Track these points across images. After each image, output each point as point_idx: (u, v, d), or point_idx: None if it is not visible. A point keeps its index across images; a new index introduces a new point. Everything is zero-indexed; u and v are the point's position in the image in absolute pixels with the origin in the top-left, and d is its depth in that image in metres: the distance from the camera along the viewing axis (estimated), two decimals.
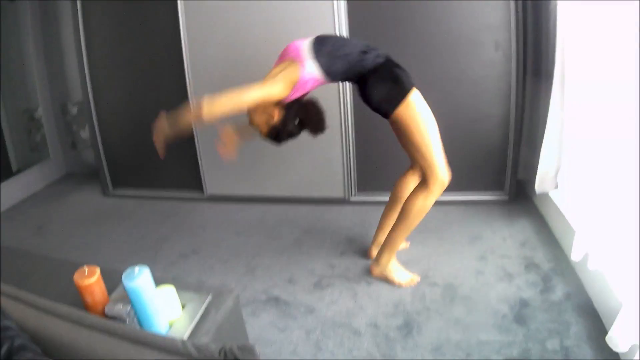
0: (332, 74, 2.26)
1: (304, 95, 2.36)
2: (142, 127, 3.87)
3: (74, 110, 4.74)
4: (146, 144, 3.91)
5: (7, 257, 2.18)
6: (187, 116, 2.14)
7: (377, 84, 2.27)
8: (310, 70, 2.22)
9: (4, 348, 1.08)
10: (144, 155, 3.97)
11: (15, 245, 3.18)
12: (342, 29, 3.18)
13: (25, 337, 1.15)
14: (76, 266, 1.63)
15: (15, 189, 4.34)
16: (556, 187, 2.83)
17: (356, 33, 3.20)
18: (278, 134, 2.35)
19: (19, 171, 4.50)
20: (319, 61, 2.22)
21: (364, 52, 2.26)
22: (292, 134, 2.38)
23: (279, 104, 2.27)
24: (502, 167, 3.26)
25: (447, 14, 3.08)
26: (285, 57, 2.31)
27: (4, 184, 4.17)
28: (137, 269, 1.46)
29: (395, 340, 2.12)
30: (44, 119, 4.71)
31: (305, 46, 2.27)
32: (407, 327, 2.19)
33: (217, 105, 2.10)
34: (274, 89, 2.17)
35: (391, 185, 3.39)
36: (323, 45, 2.26)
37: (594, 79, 2.28)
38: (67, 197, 4.28)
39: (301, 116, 2.34)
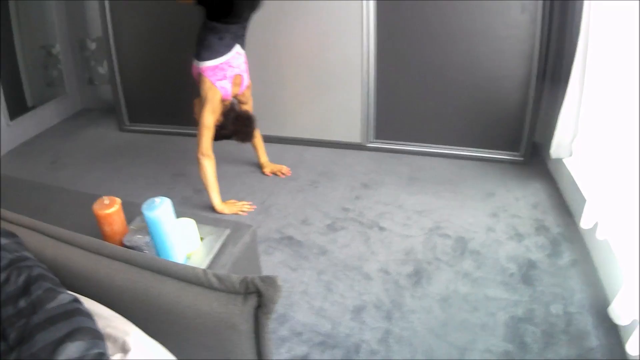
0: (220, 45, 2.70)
1: (238, 80, 2.85)
2: (161, 63, 3.88)
3: (92, 46, 4.70)
4: (164, 79, 3.94)
5: (24, 189, 2.20)
6: None
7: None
8: (211, 71, 2.71)
9: (22, 277, 1.08)
10: (161, 91, 3.99)
11: (31, 178, 3.20)
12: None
13: (43, 267, 1.16)
14: (93, 198, 1.66)
15: (31, 124, 4.34)
16: (571, 154, 2.85)
17: None
18: (216, 134, 2.81)
19: (34, 107, 4.47)
20: (206, 58, 2.70)
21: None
22: (226, 137, 2.88)
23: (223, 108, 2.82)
24: (520, 128, 3.26)
25: None
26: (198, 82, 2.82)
27: (19, 119, 4.17)
28: (157, 199, 1.47)
29: (405, 287, 2.20)
30: (61, 55, 4.66)
31: (195, 64, 2.78)
32: (417, 276, 2.27)
33: None
34: (209, 119, 2.74)
35: (410, 133, 3.44)
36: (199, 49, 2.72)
37: (619, 47, 2.26)
38: (82, 132, 4.29)
39: (233, 125, 2.84)
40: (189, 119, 3.97)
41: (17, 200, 2.02)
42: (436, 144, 3.47)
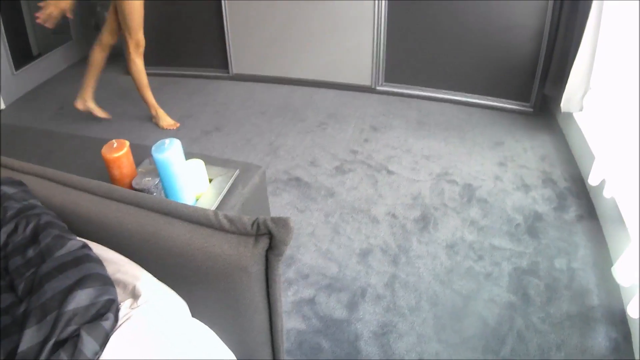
0: None
1: None
2: (166, 5, 3.77)
3: None
4: (170, 21, 3.86)
5: (30, 136, 2.16)
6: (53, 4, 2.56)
7: None
8: None
9: (30, 226, 1.07)
10: (167, 33, 3.92)
11: (36, 126, 3.22)
12: None
13: (51, 214, 1.14)
14: (101, 142, 1.64)
15: (36, 73, 4.27)
16: (581, 109, 2.83)
17: None
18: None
19: (39, 55, 4.38)
20: None
21: None
22: None
23: None
24: (531, 79, 3.23)
25: None
26: None
27: (25, 69, 4.10)
28: (167, 141, 1.46)
29: (412, 232, 2.24)
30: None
31: None
32: (424, 221, 2.30)
33: None
34: None
35: (420, 78, 3.40)
36: None
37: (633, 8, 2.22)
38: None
39: None
40: (198, 60, 3.94)
41: (24, 149, 2.00)
42: (446, 89, 3.45)
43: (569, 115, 2.92)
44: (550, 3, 3.00)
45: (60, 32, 4.60)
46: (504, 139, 2.99)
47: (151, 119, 3.30)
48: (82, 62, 4.64)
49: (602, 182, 2.25)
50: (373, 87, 3.56)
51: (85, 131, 3.21)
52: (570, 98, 2.83)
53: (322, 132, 3.07)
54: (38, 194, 1.25)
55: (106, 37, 3.13)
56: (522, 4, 3.07)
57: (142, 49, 3.06)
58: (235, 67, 3.85)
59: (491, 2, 3.11)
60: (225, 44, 3.78)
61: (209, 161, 1.74)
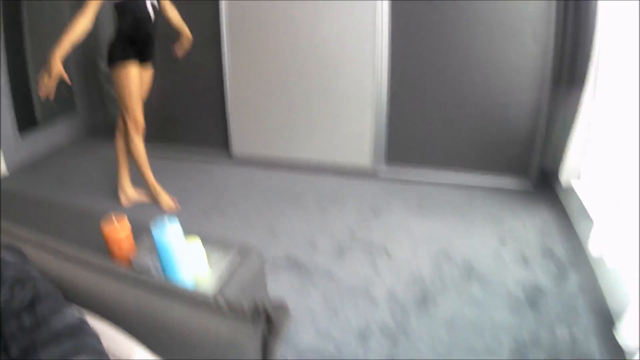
0: None
1: None
2: (171, 85, 3.93)
3: (104, 67, 4.78)
4: (175, 101, 4.01)
5: (31, 205, 2.21)
6: (46, 75, 2.62)
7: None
8: None
9: (27, 293, 1.07)
10: (171, 112, 4.06)
11: (38, 196, 3.27)
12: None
13: (48, 285, 1.15)
14: (100, 215, 1.67)
15: (41, 141, 4.40)
16: (580, 177, 2.86)
17: (396, 14, 3.24)
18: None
19: (44, 124, 4.53)
20: None
21: None
22: None
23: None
24: (529, 155, 3.29)
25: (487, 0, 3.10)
26: None
27: (28, 136, 4.23)
28: (167, 220, 1.49)
29: (411, 311, 2.20)
30: (73, 74, 4.73)
31: None
32: (424, 300, 2.27)
33: (59, 52, 2.64)
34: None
35: (420, 159, 3.45)
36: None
37: (628, 78, 2.29)
38: (91, 152, 4.36)
39: None
40: (200, 140, 4.03)
41: (24, 217, 2.01)
42: (445, 169, 3.49)
43: (568, 185, 2.93)
44: (547, 80, 3.10)
45: (66, 103, 4.75)
46: (504, 215, 2.99)
47: (151, 199, 3.35)
48: (86, 136, 4.82)
49: (602, 248, 2.22)
50: (373, 170, 3.61)
51: (86, 205, 3.26)
52: (569, 168, 2.87)
53: (321, 215, 3.09)
54: (37, 263, 1.26)
55: (122, 123, 3.23)
56: (519, 82, 3.17)
57: (141, 129, 3.14)
58: (236, 149, 3.94)
59: (489, 81, 3.22)
60: (226, 125, 3.89)
61: (208, 243, 1.75)
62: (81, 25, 2.69)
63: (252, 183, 3.59)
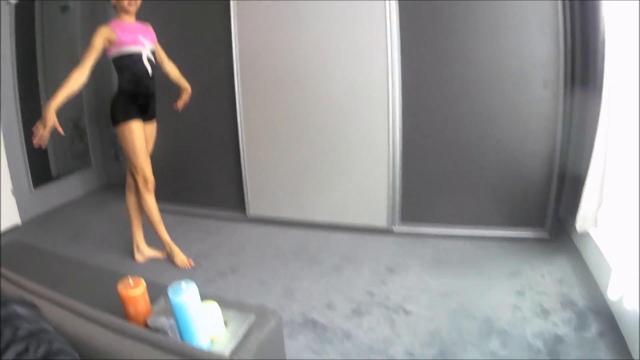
0: None
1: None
2: (186, 143, 4.02)
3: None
4: (190, 160, 4.10)
5: (45, 259, 2.24)
6: (42, 124, 2.67)
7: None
8: None
9: (41, 350, 1.07)
10: (187, 171, 4.14)
11: (51, 249, 3.26)
12: (393, 38, 3.29)
13: (63, 341, 1.14)
14: (115, 275, 1.69)
15: (55, 194, 4.52)
16: (596, 225, 2.84)
17: (406, 68, 3.32)
18: None
19: (58, 177, 4.66)
20: None
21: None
22: None
23: None
24: (544, 204, 3.28)
25: (496, 49, 3.16)
26: None
27: (43, 188, 4.36)
28: (183, 283, 1.49)
29: None
30: (88, 129, 4.89)
31: None
32: (443, 357, 2.23)
33: (54, 103, 2.69)
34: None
35: (435, 215, 3.45)
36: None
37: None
38: (105, 207, 4.44)
39: None
40: (215, 200, 4.08)
41: (37, 270, 2.03)
42: (461, 224, 3.48)
43: (585, 233, 2.92)
44: (559, 127, 3.13)
45: (80, 157, 4.89)
46: (521, 267, 2.96)
47: (166, 256, 3.39)
48: (100, 190, 4.90)
49: (622, 295, 2.19)
50: (389, 228, 3.61)
51: (99, 260, 3.33)
52: (585, 216, 2.86)
53: (338, 275, 3.08)
54: (51, 319, 1.26)
55: (132, 180, 3.29)
56: (531, 131, 3.20)
57: (151, 185, 3.19)
58: (252, 209, 3.98)
59: (501, 132, 3.25)
60: (242, 186, 3.95)
61: (225, 304, 1.75)
62: (77, 79, 2.77)
63: (267, 243, 3.60)
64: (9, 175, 4.08)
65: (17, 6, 4.16)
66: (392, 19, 3.25)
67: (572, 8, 2.97)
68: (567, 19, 3.00)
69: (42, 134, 2.67)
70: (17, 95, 4.19)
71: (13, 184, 4.12)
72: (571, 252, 3.06)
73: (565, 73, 3.06)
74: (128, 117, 3.05)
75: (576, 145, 3.10)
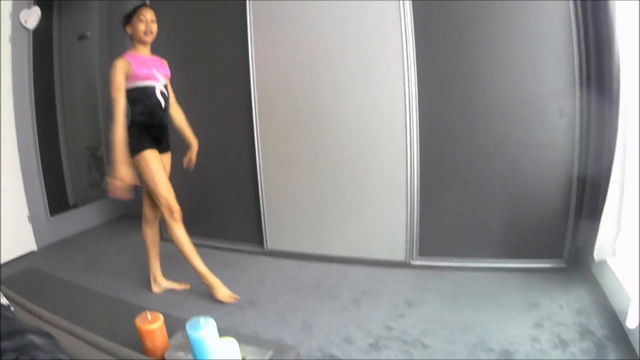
0: None
1: None
2: (204, 176, 4.07)
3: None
4: (208, 193, 4.15)
5: (61, 288, 2.25)
6: (117, 180, 2.86)
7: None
8: None
9: None
10: (204, 204, 4.19)
11: (67, 277, 3.32)
12: (411, 73, 3.35)
13: None
14: (132, 307, 1.72)
15: (72, 223, 4.61)
16: (614, 254, 2.84)
17: (424, 101, 3.37)
18: None
19: (75, 206, 4.76)
20: None
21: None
22: None
23: None
24: (562, 234, 3.28)
25: (512, 80, 3.20)
26: None
27: (60, 216, 4.45)
28: (202, 319, 1.53)
29: None
30: (105, 159, 4.99)
31: None
32: None
33: (118, 159, 2.88)
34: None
35: (453, 248, 3.45)
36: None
37: None
38: (123, 237, 4.49)
39: None
40: (233, 233, 4.12)
41: (53, 300, 2.04)
42: (479, 257, 3.48)
43: (603, 262, 2.92)
44: (576, 155, 3.15)
45: (98, 186, 4.95)
46: (539, 299, 2.95)
47: (207, 289, 3.28)
48: (117, 220, 4.95)
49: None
50: (407, 261, 3.62)
51: (115, 290, 3.34)
52: (603, 245, 2.86)
53: (356, 309, 3.09)
54: (67, 351, 1.27)
55: (148, 212, 3.34)
56: (547, 160, 3.23)
57: (177, 215, 3.13)
58: (270, 243, 4.01)
59: (518, 162, 3.27)
60: (261, 219, 3.99)
61: (243, 340, 1.78)
62: (119, 131, 2.88)
63: (286, 276, 3.62)
64: (25, 202, 4.19)
65: (34, 32, 4.29)
66: (409, 54, 3.32)
67: (586, 37, 3.03)
68: (581, 47, 3.04)
69: (118, 187, 2.84)
70: (35, 122, 4.31)
71: (30, 211, 4.21)
72: (589, 281, 3.05)
73: (581, 102, 3.09)
74: (143, 147, 3.07)
75: (593, 175, 3.11)
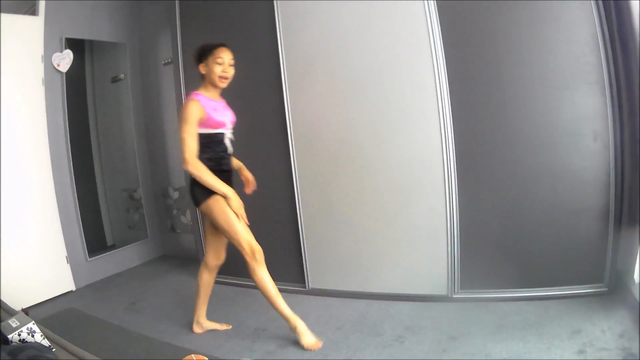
0: None
1: None
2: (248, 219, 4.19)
3: (175, 194, 5.04)
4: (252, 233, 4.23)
5: (101, 328, 2.24)
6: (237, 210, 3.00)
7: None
8: None
9: None
10: None
11: (106, 318, 3.41)
12: (445, 108, 3.43)
13: None
14: (175, 349, 1.78)
15: (110, 263, 4.74)
16: None
17: (460, 134, 3.45)
18: None
19: (114, 246, 4.90)
20: None
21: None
22: None
23: None
24: (602, 259, 3.26)
25: (545, 106, 3.25)
26: None
27: (98, 257, 4.61)
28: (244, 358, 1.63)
29: None
30: (143, 200, 5.12)
31: None
32: None
33: (219, 191, 2.98)
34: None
35: (494, 280, 3.47)
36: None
37: None
38: (162, 277, 4.56)
39: None
40: (275, 273, 4.04)
41: (94, 340, 2.05)
42: (521, 286, 3.48)
43: None
44: (612, 178, 3.15)
45: (137, 228, 5.06)
46: (581, 325, 2.94)
47: (292, 332, 3.22)
48: (156, 261, 5.00)
49: None
50: (449, 295, 3.64)
51: (155, 331, 3.34)
52: None
53: (399, 346, 3.11)
54: None
55: (211, 259, 3.37)
56: (584, 186, 3.24)
57: (259, 255, 3.08)
58: (312, 282, 4.07)
59: (555, 190, 3.29)
60: (302, 258, 4.05)
61: None
62: (198, 169, 2.93)
63: (328, 314, 3.66)
64: (63, 243, 4.34)
65: (67, 75, 4.50)
66: (443, 90, 3.41)
67: (614, 59, 3.07)
68: (611, 70, 3.09)
69: (240, 215, 3.02)
70: (71, 164, 4.49)
71: (68, 252, 4.37)
72: (631, 304, 3.01)
73: (614, 124, 3.11)
74: (209, 194, 3.02)
75: (630, 196, 3.11)
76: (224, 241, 3.38)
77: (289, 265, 4.20)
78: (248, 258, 3.07)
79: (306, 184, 3.97)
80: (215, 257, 3.42)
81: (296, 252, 4.13)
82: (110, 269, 4.78)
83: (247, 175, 3.49)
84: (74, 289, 4.38)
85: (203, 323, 3.48)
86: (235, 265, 4.24)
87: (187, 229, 5.06)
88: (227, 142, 3.17)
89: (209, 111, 2.99)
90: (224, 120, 3.11)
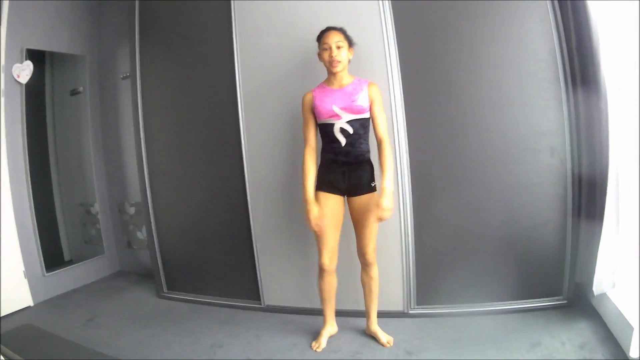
0: None
1: None
2: (199, 233, 4.03)
3: (131, 210, 4.94)
4: (203, 248, 4.09)
5: (57, 345, 2.16)
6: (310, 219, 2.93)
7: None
8: None
9: None
10: (200, 260, 4.12)
11: (64, 334, 3.25)
12: (400, 122, 3.34)
13: None
14: None
15: (67, 279, 4.59)
16: (614, 286, 2.79)
17: (414, 149, 3.37)
18: None
19: (71, 262, 4.74)
20: None
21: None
22: None
23: None
24: (560, 272, 3.23)
25: (502, 121, 3.23)
26: None
27: (55, 272, 4.46)
28: None
29: None
30: (100, 215, 4.98)
31: None
32: None
33: (306, 197, 2.96)
34: None
35: (451, 295, 3.39)
36: None
37: None
38: (119, 294, 4.43)
39: None
40: (229, 289, 4.01)
41: (51, 357, 1.96)
42: (478, 301, 3.40)
43: (603, 295, 2.87)
44: (569, 192, 3.15)
45: (93, 243, 4.94)
46: (541, 338, 2.87)
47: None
48: (113, 277, 4.91)
49: None
50: (405, 311, 3.54)
51: (112, 348, 3.25)
52: (602, 278, 2.83)
53: None
54: None
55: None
56: (541, 200, 3.22)
57: (320, 272, 3.14)
58: (267, 299, 3.91)
59: (512, 205, 3.26)
60: (256, 274, 3.88)
61: None
62: (306, 169, 2.96)
63: (283, 332, 3.51)
64: (21, 257, 4.16)
65: (27, 86, 4.33)
66: (397, 106, 3.32)
67: (573, 76, 3.08)
68: (569, 86, 3.09)
69: (315, 225, 2.94)
70: (29, 177, 4.32)
71: (25, 267, 4.19)
72: (590, 315, 2.99)
73: (571, 139, 3.11)
74: (318, 187, 3.02)
75: (587, 210, 3.09)
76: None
77: (242, 281, 4.00)
78: (319, 267, 3.15)
79: (257, 205, 3.81)
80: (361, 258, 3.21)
81: (250, 267, 3.93)
82: (68, 284, 4.62)
83: (378, 202, 2.85)
84: (32, 304, 4.20)
85: (372, 325, 3.31)
86: (192, 282, 4.10)
87: (143, 245, 4.92)
88: (337, 134, 2.92)
89: (317, 100, 2.96)
90: (331, 110, 2.90)
